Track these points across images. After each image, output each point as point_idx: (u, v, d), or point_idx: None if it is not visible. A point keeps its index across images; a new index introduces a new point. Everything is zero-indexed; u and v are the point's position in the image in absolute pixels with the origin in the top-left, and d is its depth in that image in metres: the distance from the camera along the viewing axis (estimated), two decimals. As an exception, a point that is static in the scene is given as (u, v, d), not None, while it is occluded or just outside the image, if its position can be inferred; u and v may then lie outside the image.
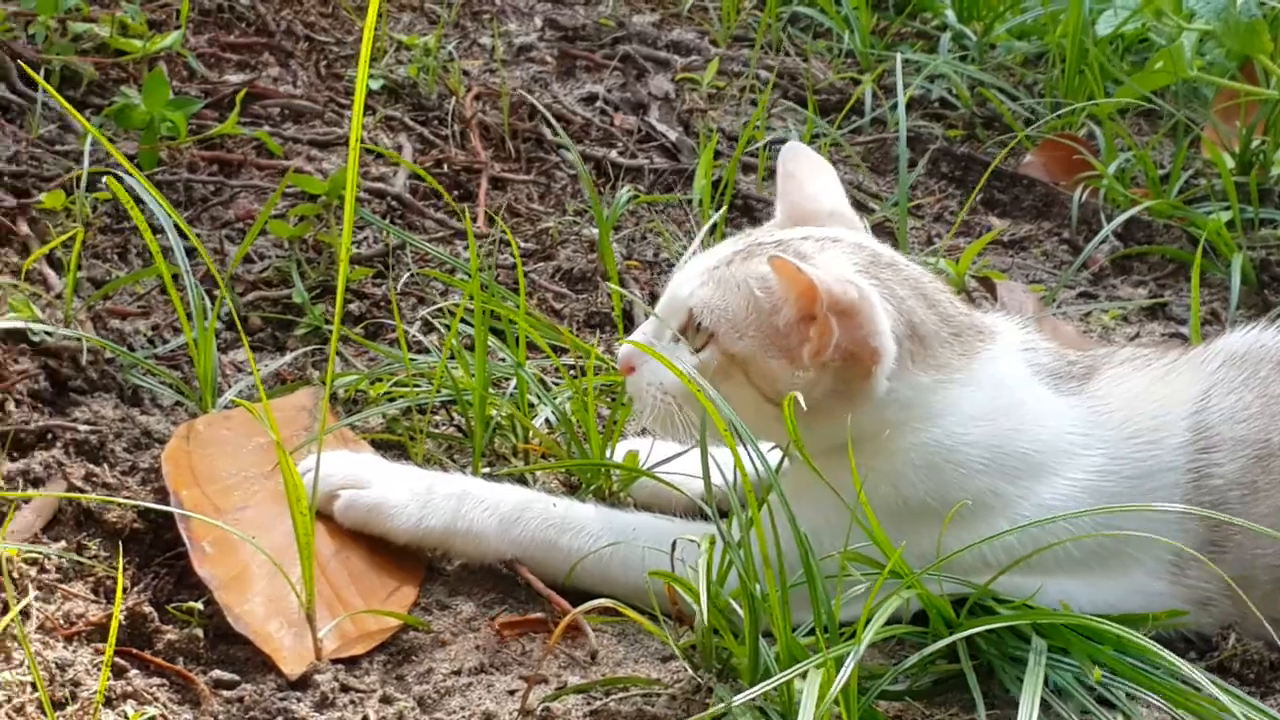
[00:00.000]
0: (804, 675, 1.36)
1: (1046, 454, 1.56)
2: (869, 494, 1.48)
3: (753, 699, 1.40)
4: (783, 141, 2.72)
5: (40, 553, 1.58)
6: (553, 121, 2.69)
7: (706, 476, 1.56)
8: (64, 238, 2.09)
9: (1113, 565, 1.56)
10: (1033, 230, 2.73)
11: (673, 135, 2.81)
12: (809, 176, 1.78)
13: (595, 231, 2.46)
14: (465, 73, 2.83)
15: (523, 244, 2.51)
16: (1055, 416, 1.59)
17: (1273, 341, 1.79)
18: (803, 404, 1.46)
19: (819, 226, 1.68)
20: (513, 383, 1.96)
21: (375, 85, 2.64)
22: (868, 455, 1.53)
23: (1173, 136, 3.04)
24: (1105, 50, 3.17)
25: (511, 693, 1.47)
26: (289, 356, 2.04)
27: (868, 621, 1.38)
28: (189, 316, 1.90)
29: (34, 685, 1.38)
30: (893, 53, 3.22)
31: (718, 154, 2.70)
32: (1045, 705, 1.40)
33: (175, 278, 1.96)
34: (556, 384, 2.02)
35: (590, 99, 2.90)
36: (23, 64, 2.46)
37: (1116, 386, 1.63)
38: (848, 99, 3.06)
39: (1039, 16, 3.45)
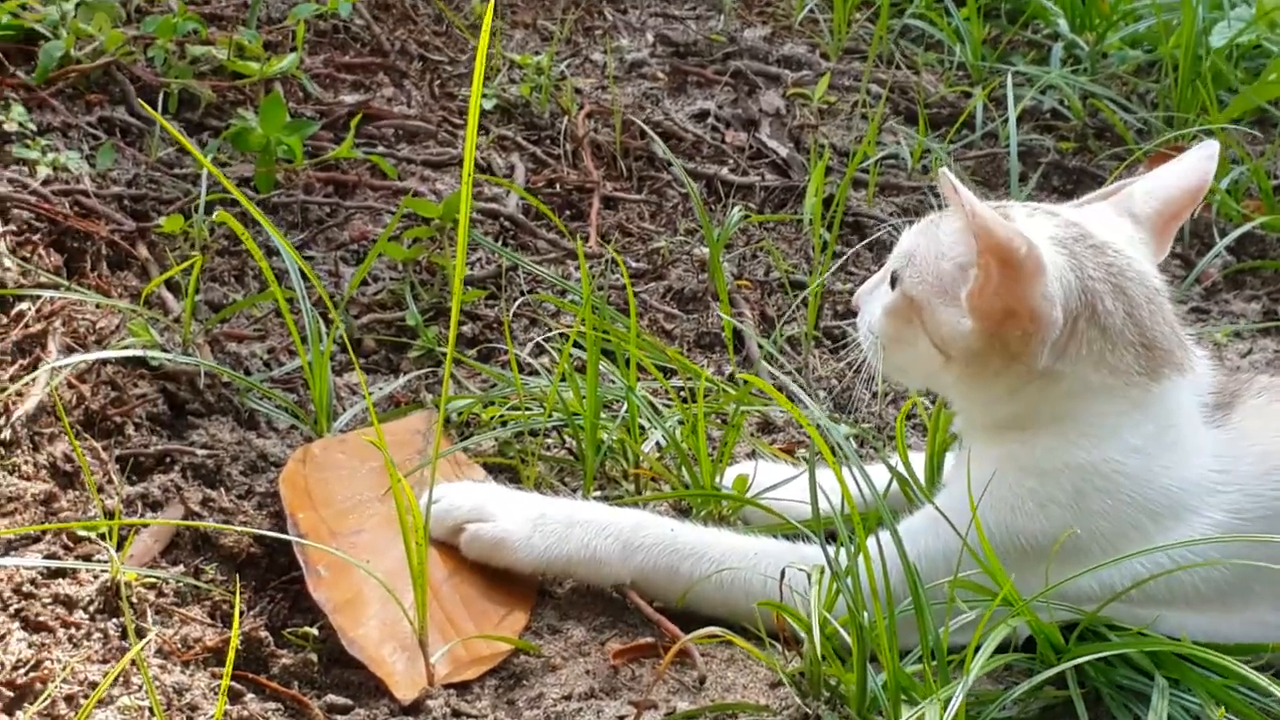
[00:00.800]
0: (912, 703, 1.40)
1: (1190, 491, 1.54)
2: (1014, 493, 1.53)
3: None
4: (894, 157, 2.68)
5: (158, 577, 1.61)
6: (659, 142, 2.65)
7: (815, 505, 1.65)
8: (183, 266, 2.11)
9: (1234, 600, 1.54)
10: (1145, 244, 2.69)
11: (783, 151, 2.80)
12: (1155, 176, 1.76)
13: (706, 250, 2.46)
14: (577, 90, 2.83)
15: (634, 264, 2.52)
16: (1202, 452, 1.57)
17: None
18: (956, 353, 1.55)
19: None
20: (623, 406, 1.95)
21: (488, 105, 2.65)
22: (1025, 452, 1.55)
23: (1288, 149, 3.02)
24: (1220, 60, 3.09)
25: (621, 718, 1.48)
26: (403, 379, 2.06)
27: (976, 649, 1.39)
28: (304, 340, 1.92)
29: (152, 710, 1.40)
30: (1005, 65, 3.19)
31: (829, 170, 2.69)
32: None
33: (290, 301, 1.97)
34: (668, 406, 2.02)
35: (701, 115, 2.89)
36: (141, 90, 2.42)
37: (1256, 419, 1.61)
38: (959, 112, 3.03)
39: (1151, 25, 3.36)
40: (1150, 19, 3.11)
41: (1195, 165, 1.73)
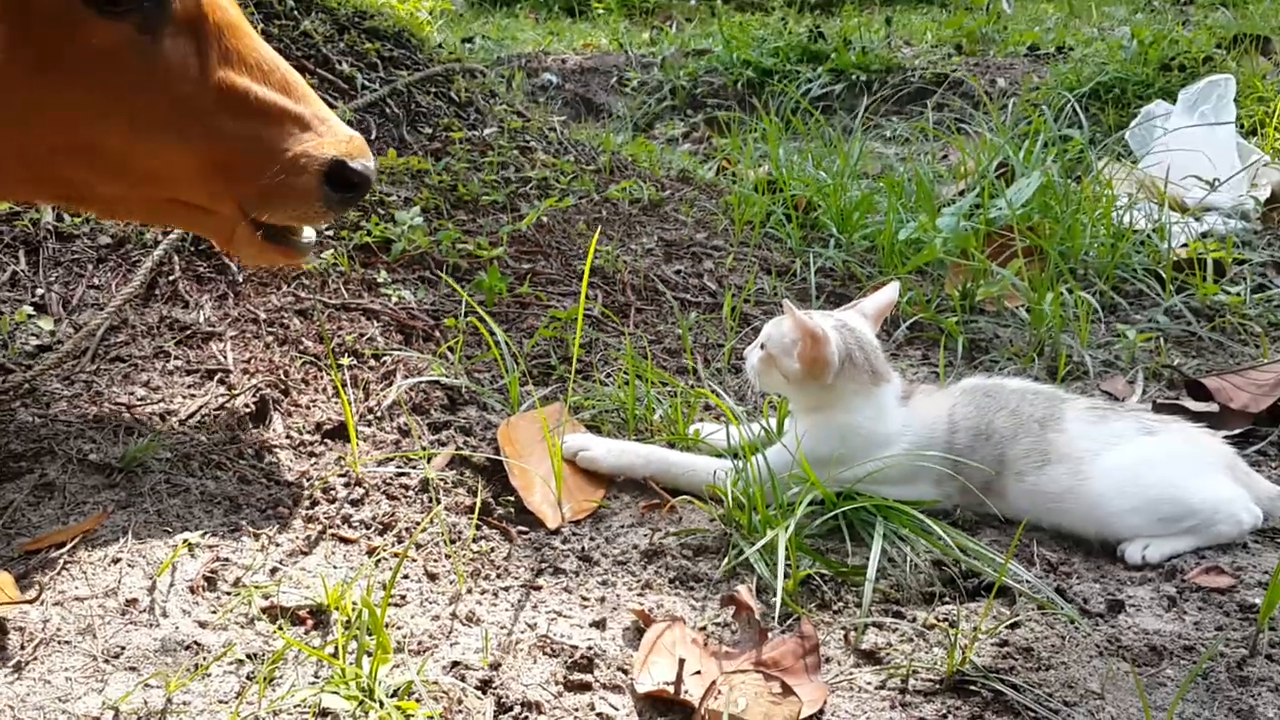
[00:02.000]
0: (771, 528, 1.67)
1: (891, 434, 1.82)
2: (815, 437, 1.81)
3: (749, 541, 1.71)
4: (763, 290, 2.84)
5: (445, 475, 1.89)
6: (660, 283, 2.72)
7: (729, 444, 1.99)
8: (455, 341, 2.31)
9: (909, 482, 1.82)
10: None
11: (714, 286, 2.82)
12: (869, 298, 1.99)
13: (679, 331, 2.56)
14: (624, 260, 2.95)
15: (650, 336, 2.59)
16: (896, 418, 1.84)
17: None
18: (791, 378, 1.83)
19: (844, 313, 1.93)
20: (644, 400, 2.13)
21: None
22: (821, 418, 1.85)
23: None
24: (903, 245, 3.02)
25: (646, 535, 1.77)
26: (548, 389, 2.19)
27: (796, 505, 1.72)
28: (506, 370, 2.14)
29: (442, 534, 1.73)
30: (808, 249, 3.23)
31: (734, 295, 2.92)
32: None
33: (501, 353, 2.18)
34: (663, 399, 2.17)
35: (678, 271, 2.92)
36: (436, 263, 2.59)
37: (920, 403, 1.87)
38: (792, 269, 3.02)
39: (875, 230, 3.17)
40: (874, 226, 3.14)
41: (889, 292, 2.00)
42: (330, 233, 2.50)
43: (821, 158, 3.92)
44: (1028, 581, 1.64)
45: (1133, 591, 1.66)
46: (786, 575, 1.59)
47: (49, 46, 1.53)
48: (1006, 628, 1.54)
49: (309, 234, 1.81)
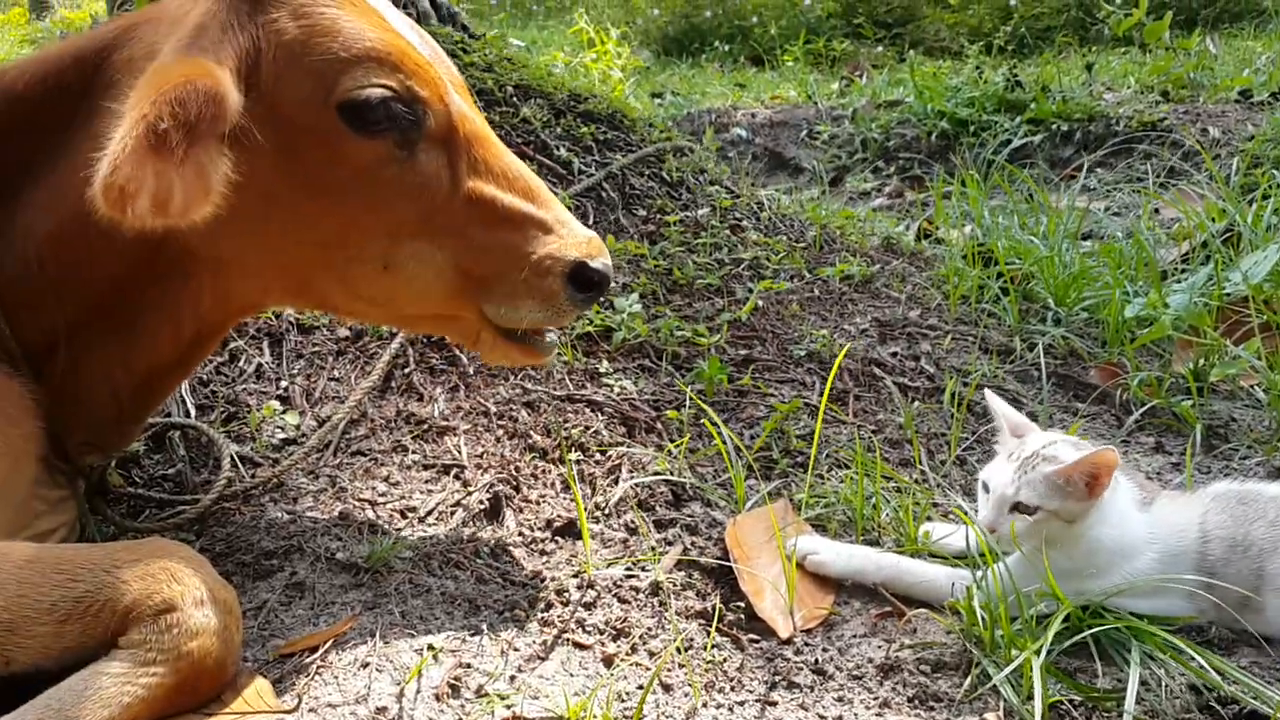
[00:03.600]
0: (1020, 648, 1.60)
1: (1135, 543, 1.71)
2: (1058, 549, 1.69)
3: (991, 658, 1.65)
4: (980, 374, 2.76)
5: (674, 578, 1.87)
6: (879, 367, 2.71)
7: (969, 550, 1.88)
8: (680, 441, 2.28)
9: (1157, 594, 1.69)
10: None
11: (931, 370, 2.74)
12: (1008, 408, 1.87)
13: (901, 418, 2.59)
14: (841, 344, 2.88)
15: (871, 426, 2.52)
16: (1140, 523, 1.73)
17: None
18: (1068, 516, 1.68)
19: (1031, 434, 1.81)
20: (873, 499, 2.06)
21: (800, 351, 2.91)
22: (1060, 529, 1.71)
23: None
24: (1130, 323, 2.87)
25: (881, 647, 1.71)
26: (774, 484, 2.15)
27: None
28: (731, 464, 2.12)
29: (678, 648, 1.70)
30: (1029, 327, 3.01)
31: (952, 379, 2.78)
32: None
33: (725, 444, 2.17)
34: (887, 497, 2.10)
35: (894, 354, 2.84)
36: (654, 351, 2.59)
37: (1163, 509, 1.77)
38: (1013, 350, 2.87)
39: (1097, 302, 3.02)
40: (1093, 298, 3.01)
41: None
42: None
43: (1026, 217, 3.79)
44: (1295, 711, 1.49)
45: None
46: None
47: (311, 165, 1.60)
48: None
49: (551, 334, 1.83)
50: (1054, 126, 5.94)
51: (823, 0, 10.19)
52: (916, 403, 2.53)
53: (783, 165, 6.93)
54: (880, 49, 10.02)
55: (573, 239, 1.70)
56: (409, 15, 3.01)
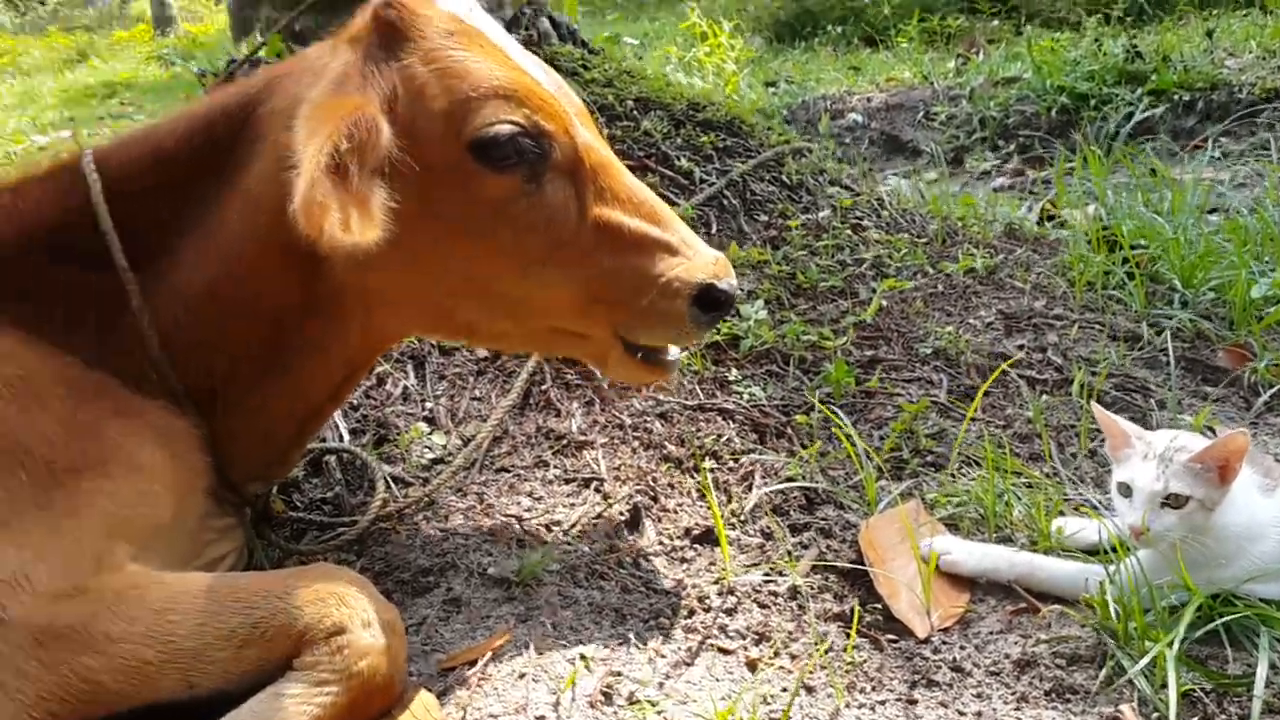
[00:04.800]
0: (1153, 640, 1.62)
1: (1261, 526, 1.71)
2: (1189, 539, 1.69)
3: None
4: (1107, 360, 2.73)
5: (811, 582, 1.91)
6: (1003, 362, 2.64)
7: (1101, 545, 1.89)
8: (811, 446, 2.31)
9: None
10: None
11: (1058, 360, 2.68)
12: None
13: (1029, 413, 2.53)
14: (967, 341, 2.79)
15: (1001, 422, 2.51)
16: (1265, 508, 1.73)
17: None
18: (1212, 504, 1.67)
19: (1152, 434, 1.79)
20: (1004, 497, 2.07)
21: (926, 350, 2.88)
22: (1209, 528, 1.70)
23: None
24: (1257, 302, 2.81)
25: (1017, 643, 1.73)
26: (905, 484, 2.18)
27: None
28: (861, 467, 2.16)
29: (815, 643, 1.74)
30: (1155, 313, 2.96)
31: (1080, 370, 2.68)
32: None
33: (852, 447, 2.20)
34: (1017, 493, 2.11)
35: (1020, 346, 2.76)
36: (783, 358, 2.61)
37: None
38: (1139, 336, 2.84)
39: (1225, 282, 2.95)
40: (1219, 278, 2.95)
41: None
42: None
43: (1150, 193, 3.71)
44: None
45: None
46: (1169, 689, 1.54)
47: (447, 201, 1.68)
48: None
49: (674, 351, 1.86)
50: (1176, 97, 5.79)
51: (937, -23, 9.99)
52: (1045, 395, 2.51)
53: (900, 149, 6.88)
54: (996, 23, 9.83)
55: (699, 260, 1.74)
56: (530, 34, 3.13)
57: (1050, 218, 3.84)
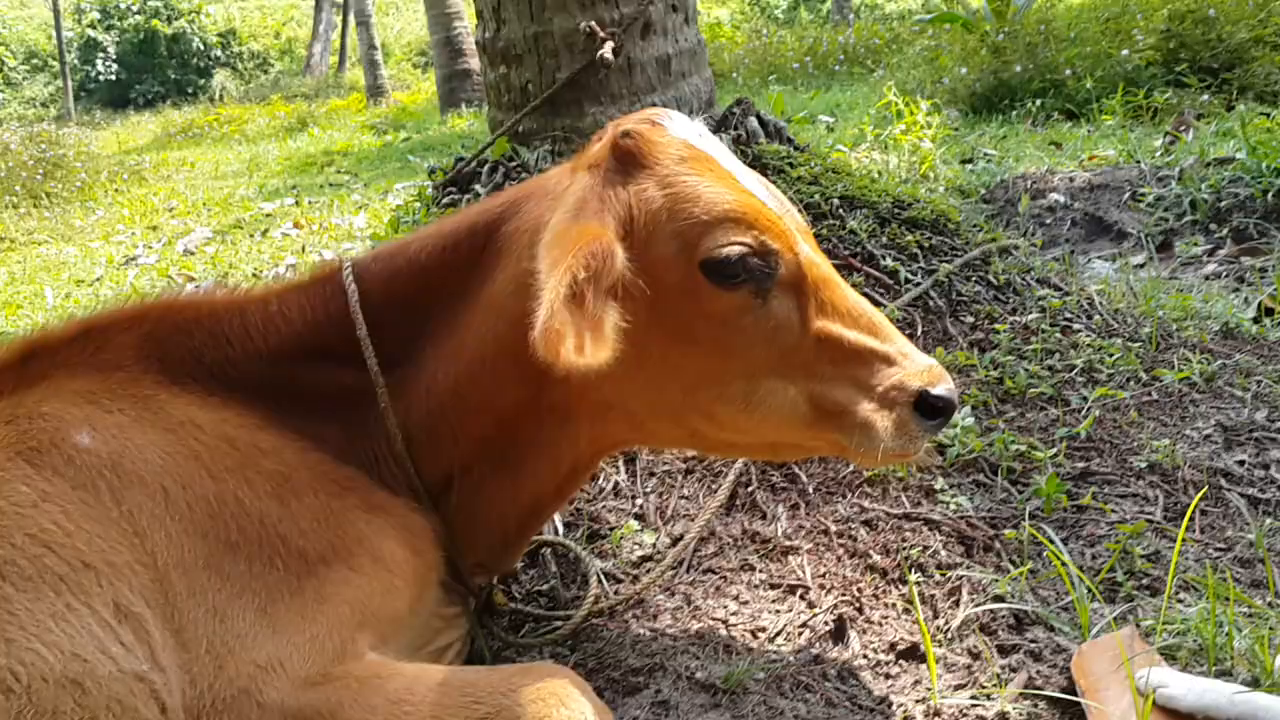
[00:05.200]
0: None
1: None
2: None
3: None
4: None
5: (1020, 708, 1.87)
6: (1222, 480, 2.53)
7: None
8: (1021, 568, 2.24)
9: None
10: None
11: None
12: None
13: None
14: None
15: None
16: None
17: None
18: None
19: None
20: (1225, 624, 1.97)
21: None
22: None
23: None
24: None
25: None
26: (1119, 609, 2.10)
27: None
28: (1071, 586, 2.09)
29: None
30: None
31: None
32: None
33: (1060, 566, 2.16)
34: (1246, 617, 2.00)
35: (1251, 460, 2.62)
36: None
37: None
38: None
39: None
40: None
41: None
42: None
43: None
44: None
45: None
46: None
47: (678, 315, 1.79)
48: None
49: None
50: (1407, 178, 5.48)
51: (1141, 50, 9.71)
52: (1268, 518, 2.40)
53: (1104, 230, 6.67)
54: (1206, 97, 9.48)
55: (915, 369, 1.78)
56: (739, 133, 3.20)
57: (1269, 311, 3.68)
